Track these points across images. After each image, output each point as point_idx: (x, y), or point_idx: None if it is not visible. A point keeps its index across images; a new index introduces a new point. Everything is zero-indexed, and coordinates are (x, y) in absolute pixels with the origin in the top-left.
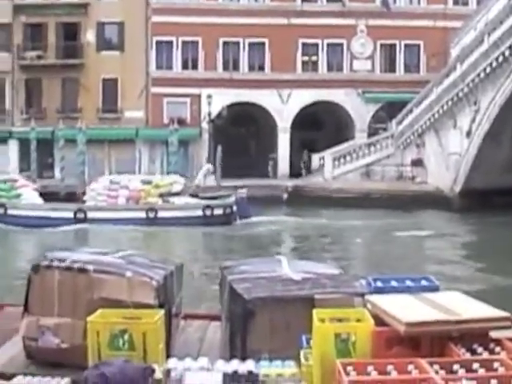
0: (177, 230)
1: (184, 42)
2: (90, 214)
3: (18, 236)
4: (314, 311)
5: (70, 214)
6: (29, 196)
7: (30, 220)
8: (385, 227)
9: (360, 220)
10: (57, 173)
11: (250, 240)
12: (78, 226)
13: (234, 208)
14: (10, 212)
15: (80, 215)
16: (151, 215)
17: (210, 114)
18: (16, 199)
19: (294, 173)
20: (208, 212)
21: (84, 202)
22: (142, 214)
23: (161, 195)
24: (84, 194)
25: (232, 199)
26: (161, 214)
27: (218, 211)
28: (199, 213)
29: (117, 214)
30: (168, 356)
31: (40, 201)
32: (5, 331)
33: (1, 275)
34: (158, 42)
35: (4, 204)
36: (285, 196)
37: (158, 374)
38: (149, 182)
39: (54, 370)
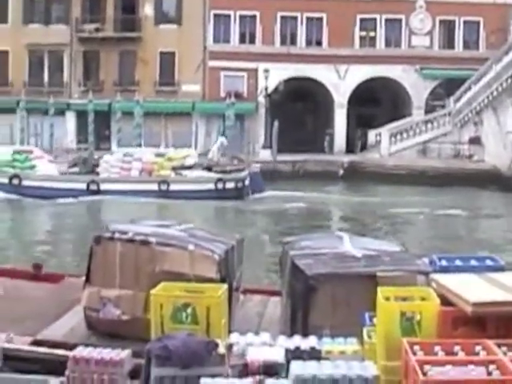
0: (188, 202)
1: (242, 16)
2: (103, 186)
3: (31, 207)
4: (379, 289)
5: (84, 186)
6: (44, 167)
7: (44, 191)
8: (441, 206)
9: (415, 197)
10: (113, 145)
11: (262, 214)
12: (91, 197)
13: (247, 182)
14: (24, 183)
15: (93, 187)
16: (163, 188)
17: (266, 89)
18: (30, 170)
19: (351, 149)
20: (220, 185)
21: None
22: (155, 187)
23: (173, 168)
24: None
25: (244, 173)
26: (173, 186)
27: (230, 185)
28: (211, 186)
29: (129, 185)
30: (228, 330)
31: (55, 172)
32: (66, 301)
33: (17, 245)
34: (215, 16)
35: (18, 175)
36: (341, 172)
37: (221, 349)
38: (162, 155)
39: (114, 342)
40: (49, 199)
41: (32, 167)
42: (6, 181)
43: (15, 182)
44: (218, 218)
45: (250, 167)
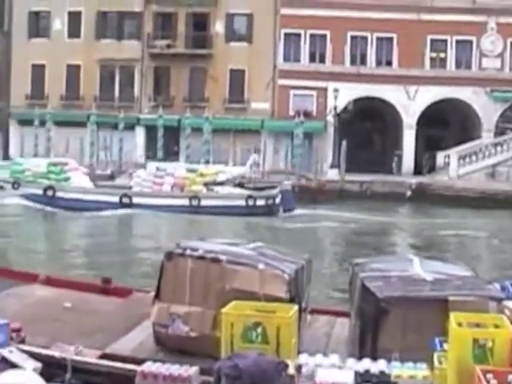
0: (219, 218)
1: (312, 35)
2: (136, 200)
3: (63, 218)
4: (452, 314)
5: (116, 199)
6: (78, 179)
7: (77, 203)
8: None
9: (484, 220)
10: (182, 160)
11: (292, 233)
12: (123, 210)
13: (278, 200)
14: (58, 194)
15: (125, 200)
16: (194, 203)
17: (335, 108)
18: (65, 182)
19: (419, 170)
20: (250, 202)
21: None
22: (186, 202)
23: (205, 184)
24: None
25: (275, 191)
26: (204, 202)
27: (261, 202)
28: (242, 202)
29: (161, 200)
30: (297, 351)
31: (89, 184)
32: (134, 316)
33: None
34: (286, 35)
35: (53, 186)
36: (408, 193)
37: (291, 369)
38: (194, 171)
39: (182, 358)
40: (82, 211)
41: (66, 179)
42: (40, 192)
43: (49, 193)
44: (249, 234)
45: (281, 185)
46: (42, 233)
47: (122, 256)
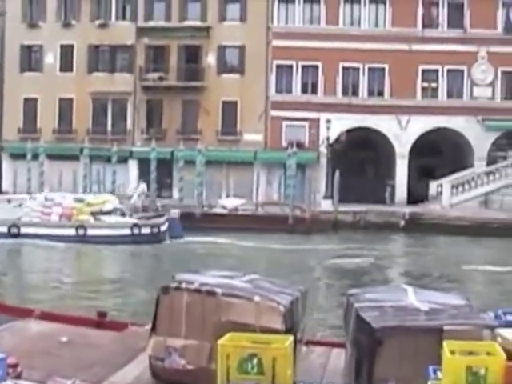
0: (106, 247)
1: (304, 67)
2: (24, 230)
3: None
4: (445, 343)
5: (5, 229)
6: None
7: None
8: (505, 259)
9: (478, 249)
10: (175, 193)
11: (178, 259)
12: (12, 240)
13: (164, 228)
14: None
15: (14, 230)
16: (81, 232)
17: (328, 139)
18: None
19: (412, 200)
20: (136, 230)
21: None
22: (72, 231)
23: (92, 213)
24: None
25: (162, 219)
26: (90, 231)
27: (146, 230)
28: (127, 231)
29: (49, 230)
30: (293, 382)
31: None
32: (130, 350)
33: None
34: (278, 66)
35: None
36: (402, 223)
37: None
38: (81, 200)
39: None
40: None
41: None
42: None
43: None
44: (134, 262)
45: (168, 213)
46: None
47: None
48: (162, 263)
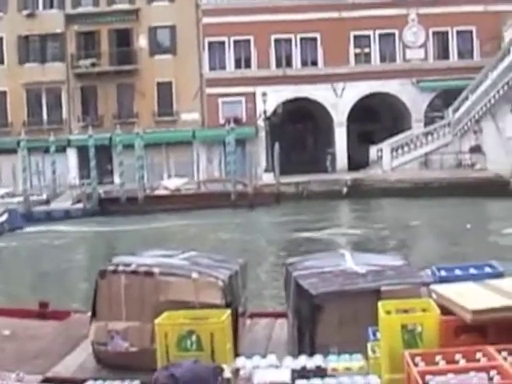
0: None
1: (236, 42)
2: None
3: None
4: (380, 303)
5: None
6: None
7: None
8: (444, 216)
9: (420, 209)
10: (116, 178)
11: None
12: None
13: (1, 219)
14: None
15: None
16: None
17: (265, 112)
18: None
19: (353, 166)
20: None
21: None
22: None
23: None
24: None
25: None
26: None
27: None
28: None
29: None
30: (236, 355)
31: None
32: (73, 338)
33: None
34: (210, 43)
35: None
36: (344, 190)
37: (227, 373)
38: None
39: (124, 374)
40: None
41: None
42: None
43: None
44: None
45: (6, 206)
46: None
47: None
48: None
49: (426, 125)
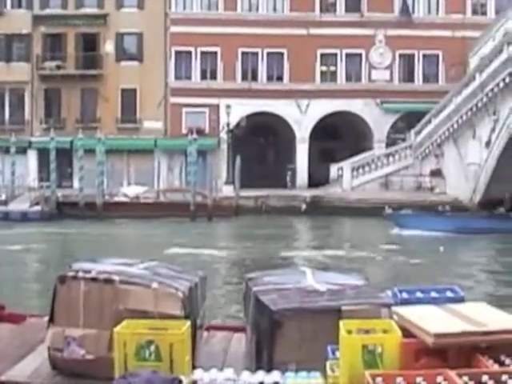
0: None
1: (203, 53)
2: None
3: None
4: (341, 322)
5: None
6: None
7: None
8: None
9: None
10: (76, 183)
11: None
12: None
13: None
14: None
15: None
16: None
17: (228, 125)
18: None
19: (313, 183)
20: None
21: None
22: None
23: None
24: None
25: None
26: None
27: None
28: None
29: None
30: (193, 367)
31: None
32: (29, 342)
33: None
34: (176, 53)
35: None
36: (303, 206)
37: None
38: None
39: (79, 381)
40: None
41: None
42: None
43: None
44: None
45: None
46: None
47: None
48: None
49: (387, 146)
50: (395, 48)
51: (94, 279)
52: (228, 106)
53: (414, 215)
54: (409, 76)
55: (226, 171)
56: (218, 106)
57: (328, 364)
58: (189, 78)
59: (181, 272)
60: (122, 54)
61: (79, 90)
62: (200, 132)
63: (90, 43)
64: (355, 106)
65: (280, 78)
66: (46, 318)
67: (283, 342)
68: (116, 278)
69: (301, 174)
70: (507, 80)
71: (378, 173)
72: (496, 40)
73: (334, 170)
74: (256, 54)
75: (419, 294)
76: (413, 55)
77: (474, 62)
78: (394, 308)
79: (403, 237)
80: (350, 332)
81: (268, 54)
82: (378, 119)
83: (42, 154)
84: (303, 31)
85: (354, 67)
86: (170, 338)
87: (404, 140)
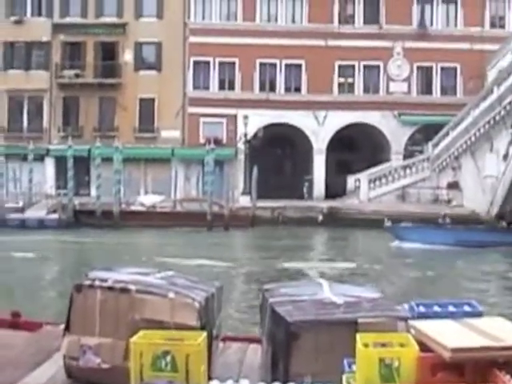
0: None
1: (221, 63)
2: None
3: None
4: (358, 335)
5: None
6: None
7: None
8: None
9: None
10: (93, 191)
11: None
12: None
13: None
14: None
15: None
16: None
17: (246, 135)
18: None
19: (330, 194)
20: None
21: None
22: None
23: None
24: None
25: None
26: None
27: None
28: None
29: None
30: (209, 378)
31: None
32: (44, 350)
33: None
34: (195, 63)
35: None
36: (320, 218)
37: None
38: None
39: None
40: None
41: None
42: None
43: None
44: None
45: None
46: None
47: None
48: None
49: (405, 158)
50: (413, 60)
51: (110, 288)
52: (245, 117)
53: (413, 228)
54: (427, 88)
55: (243, 181)
56: (235, 117)
57: (344, 377)
58: (207, 88)
59: (197, 282)
60: (140, 63)
61: (97, 98)
62: (217, 142)
63: (108, 52)
64: (373, 117)
65: (298, 89)
66: (62, 326)
67: (299, 354)
68: (132, 287)
69: (318, 185)
70: None
71: (395, 185)
72: None
73: (351, 181)
74: (274, 64)
75: (437, 308)
76: (431, 67)
77: (492, 74)
78: (411, 322)
79: (403, 249)
80: (366, 345)
81: (286, 65)
82: (395, 131)
83: (60, 161)
84: (321, 42)
85: (371, 79)
86: (187, 349)
87: (421, 152)
